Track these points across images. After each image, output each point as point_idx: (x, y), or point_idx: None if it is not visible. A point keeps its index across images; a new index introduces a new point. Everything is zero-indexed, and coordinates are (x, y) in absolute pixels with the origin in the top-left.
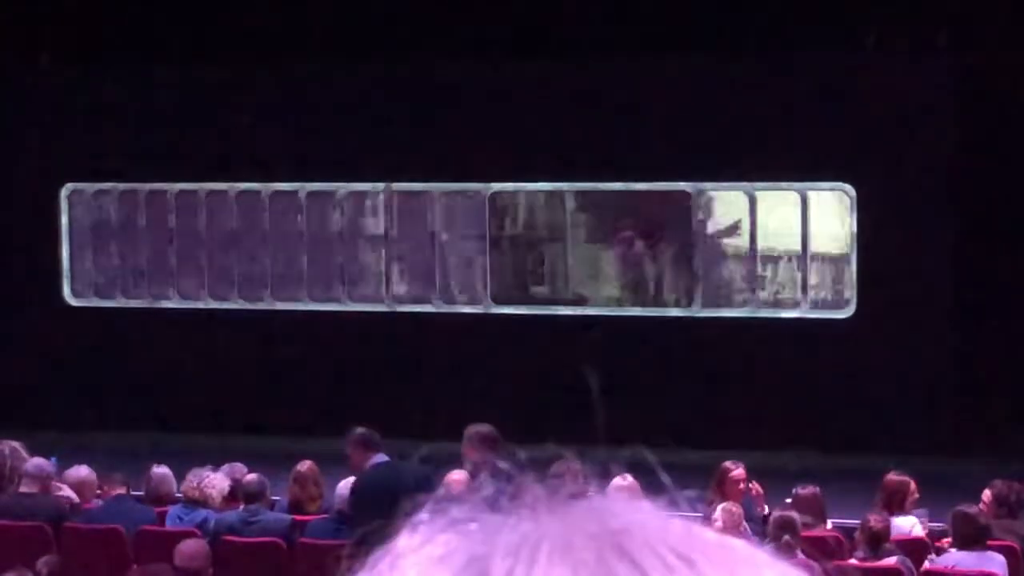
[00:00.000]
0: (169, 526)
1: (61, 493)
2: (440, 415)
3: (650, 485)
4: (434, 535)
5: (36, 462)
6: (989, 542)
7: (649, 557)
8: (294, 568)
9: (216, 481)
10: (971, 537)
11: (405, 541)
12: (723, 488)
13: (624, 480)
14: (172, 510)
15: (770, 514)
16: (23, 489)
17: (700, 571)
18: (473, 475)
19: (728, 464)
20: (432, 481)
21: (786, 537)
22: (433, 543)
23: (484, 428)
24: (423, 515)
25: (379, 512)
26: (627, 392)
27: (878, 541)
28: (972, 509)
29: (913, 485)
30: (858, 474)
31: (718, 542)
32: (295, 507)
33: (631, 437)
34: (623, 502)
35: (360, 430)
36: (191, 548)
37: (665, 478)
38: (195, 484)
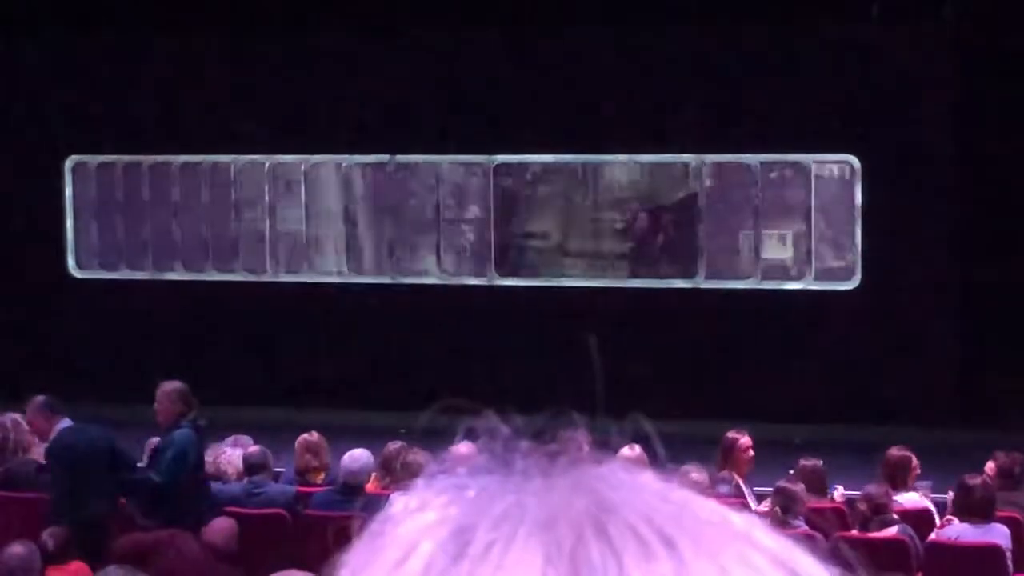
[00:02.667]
0: None
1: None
2: (443, 388)
3: (653, 456)
4: (430, 499)
5: None
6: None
7: (627, 538)
8: (298, 539)
9: (233, 457)
10: (975, 508)
11: (402, 504)
12: (732, 457)
13: (632, 451)
14: None
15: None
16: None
17: (680, 554)
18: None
19: (733, 434)
20: (114, 442)
21: (787, 510)
22: (428, 508)
23: (177, 384)
24: (421, 480)
25: (74, 472)
26: (632, 364)
27: (879, 513)
28: (976, 480)
29: (915, 460)
30: (862, 446)
31: (711, 519)
32: (301, 475)
33: (636, 409)
34: (622, 473)
35: (41, 397)
36: (222, 526)
37: (660, 449)
38: (211, 459)
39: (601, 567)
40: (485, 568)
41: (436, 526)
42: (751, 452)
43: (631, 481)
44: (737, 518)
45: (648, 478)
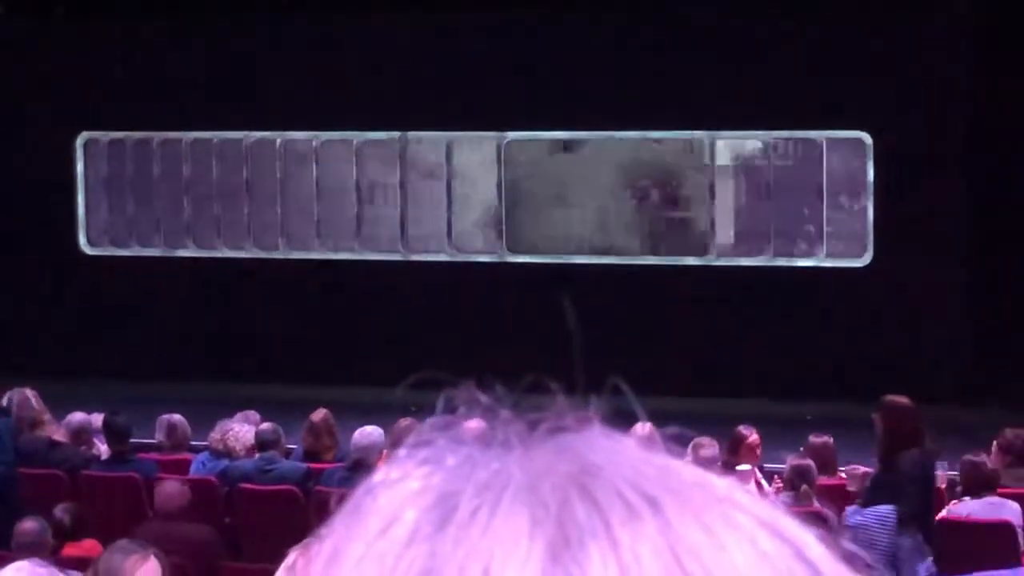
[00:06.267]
0: (192, 473)
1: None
2: (454, 364)
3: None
4: (411, 469)
5: (76, 416)
6: (1001, 491)
7: (613, 499)
8: (309, 515)
9: (240, 434)
10: (979, 485)
11: (383, 475)
12: (738, 453)
13: (643, 428)
14: (197, 457)
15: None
16: (55, 438)
17: (665, 514)
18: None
19: (743, 430)
20: None
21: (804, 486)
22: (410, 478)
23: None
24: (403, 449)
25: None
26: (644, 340)
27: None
28: (979, 457)
29: None
30: (872, 423)
31: (695, 481)
32: (309, 456)
33: (645, 385)
34: (603, 438)
35: None
36: (174, 488)
37: (642, 416)
38: (219, 436)
39: (588, 528)
40: (472, 533)
41: (419, 495)
42: (758, 450)
43: (613, 446)
44: (720, 481)
45: (630, 443)
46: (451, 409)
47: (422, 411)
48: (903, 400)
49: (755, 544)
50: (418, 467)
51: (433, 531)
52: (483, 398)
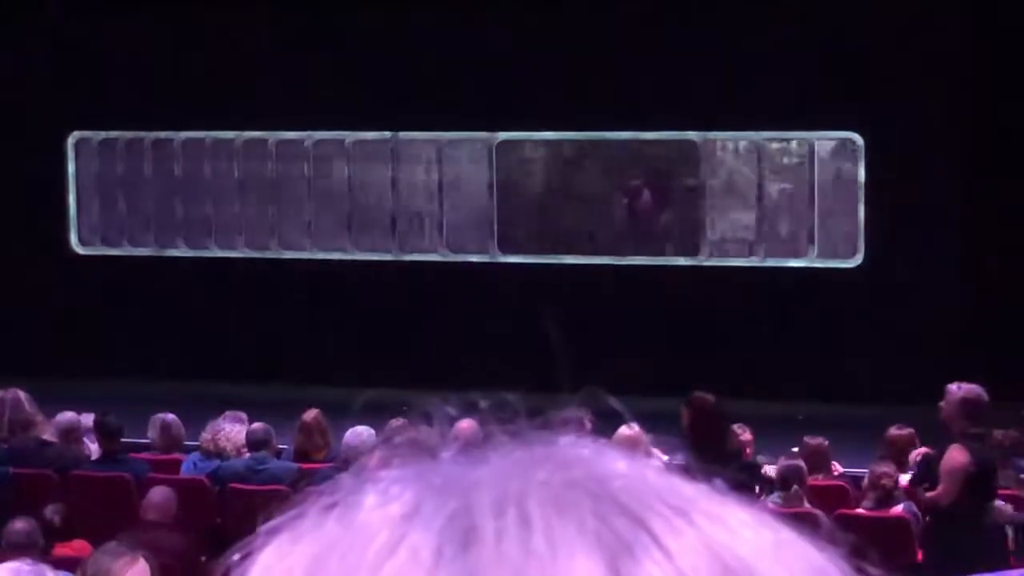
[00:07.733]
0: (184, 473)
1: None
2: (446, 364)
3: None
4: (395, 490)
5: (66, 416)
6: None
7: (647, 511)
8: None
9: (232, 435)
10: None
11: (366, 496)
12: None
13: (630, 429)
14: (188, 458)
15: (758, 464)
16: (45, 437)
17: (696, 523)
18: None
19: (735, 428)
20: None
21: (795, 487)
22: (396, 500)
23: None
24: (372, 467)
25: None
26: (633, 341)
27: (886, 491)
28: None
29: (915, 438)
30: (865, 424)
31: (691, 488)
32: (301, 456)
33: (637, 386)
34: (590, 449)
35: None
36: (163, 495)
37: (628, 419)
38: (210, 437)
39: (636, 541)
40: (508, 551)
41: (418, 516)
42: (749, 450)
43: (606, 456)
44: (704, 488)
45: (618, 453)
46: (439, 416)
47: (413, 412)
48: (708, 396)
49: (779, 549)
50: (399, 487)
51: (459, 551)
52: (471, 404)
